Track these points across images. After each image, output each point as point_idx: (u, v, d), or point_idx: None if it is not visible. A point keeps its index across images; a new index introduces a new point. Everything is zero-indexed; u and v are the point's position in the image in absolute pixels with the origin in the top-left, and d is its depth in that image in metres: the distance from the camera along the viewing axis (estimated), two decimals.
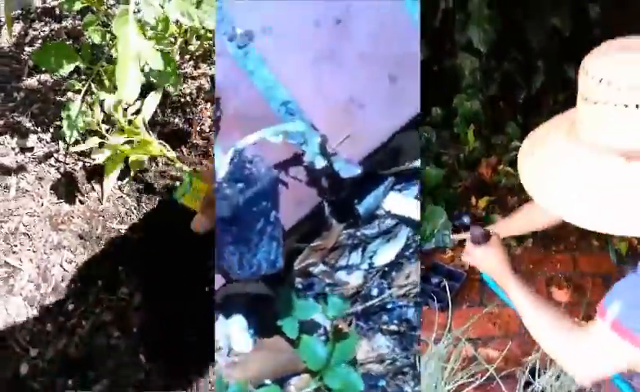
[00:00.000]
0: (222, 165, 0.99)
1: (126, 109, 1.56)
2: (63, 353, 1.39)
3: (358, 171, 1.06)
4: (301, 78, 1.05)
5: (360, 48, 1.06)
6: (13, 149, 1.64)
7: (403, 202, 1.15)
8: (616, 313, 0.91)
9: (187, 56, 1.87)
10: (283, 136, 1.02)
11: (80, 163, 1.63)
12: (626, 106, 0.82)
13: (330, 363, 1.07)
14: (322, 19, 1.05)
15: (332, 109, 1.06)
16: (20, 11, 1.93)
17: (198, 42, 1.84)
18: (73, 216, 1.57)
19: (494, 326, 1.81)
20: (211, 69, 1.87)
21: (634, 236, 1.63)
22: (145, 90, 1.54)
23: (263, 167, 0.99)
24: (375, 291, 1.14)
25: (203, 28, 1.66)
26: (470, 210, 2.16)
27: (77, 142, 1.56)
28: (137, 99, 1.47)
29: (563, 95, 2.25)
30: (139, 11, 1.35)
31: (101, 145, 1.54)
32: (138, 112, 1.58)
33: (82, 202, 1.59)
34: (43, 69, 1.74)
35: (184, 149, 1.72)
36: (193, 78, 1.86)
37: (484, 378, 1.51)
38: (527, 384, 1.55)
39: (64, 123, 1.53)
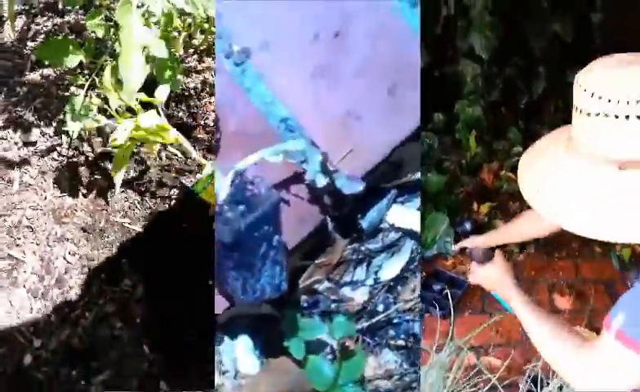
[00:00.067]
0: (223, 187, 0.99)
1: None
2: (66, 344, 1.41)
3: (361, 187, 1.06)
4: (299, 93, 1.05)
5: (358, 61, 1.06)
6: (16, 143, 1.65)
7: (406, 215, 1.14)
8: (621, 323, 0.91)
9: (191, 50, 1.87)
10: (283, 156, 1.02)
11: (83, 157, 1.64)
12: (617, 117, 0.86)
13: (337, 382, 1.06)
14: (321, 32, 1.05)
15: (331, 123, 1.06)
16: (22, 6, 1.93)
17: (202, 37, 1.83)
18: (76, 209, 1.58)
19: (496, 333, 1.80)
20: (215, 62, 1.86)
21: (636, 243, 1.63)
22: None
23: (264, 188, 0.99)
24: (380, 307, 1.14)
25: (207, 21, 1.65)
26: (472, 216, 2.16)
27: (81, 138, 1.54)
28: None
29: (564, 101, 2.25)
30: (142, 5, 1.34)
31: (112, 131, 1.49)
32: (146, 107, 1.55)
33: (85, 196, 1.60)
34: (46, 63, 1.73)
35: None
36: (197, 72, 1.86)
37: (487, 388, 1.51)
38: None
39: (67, 117, 1.49)
